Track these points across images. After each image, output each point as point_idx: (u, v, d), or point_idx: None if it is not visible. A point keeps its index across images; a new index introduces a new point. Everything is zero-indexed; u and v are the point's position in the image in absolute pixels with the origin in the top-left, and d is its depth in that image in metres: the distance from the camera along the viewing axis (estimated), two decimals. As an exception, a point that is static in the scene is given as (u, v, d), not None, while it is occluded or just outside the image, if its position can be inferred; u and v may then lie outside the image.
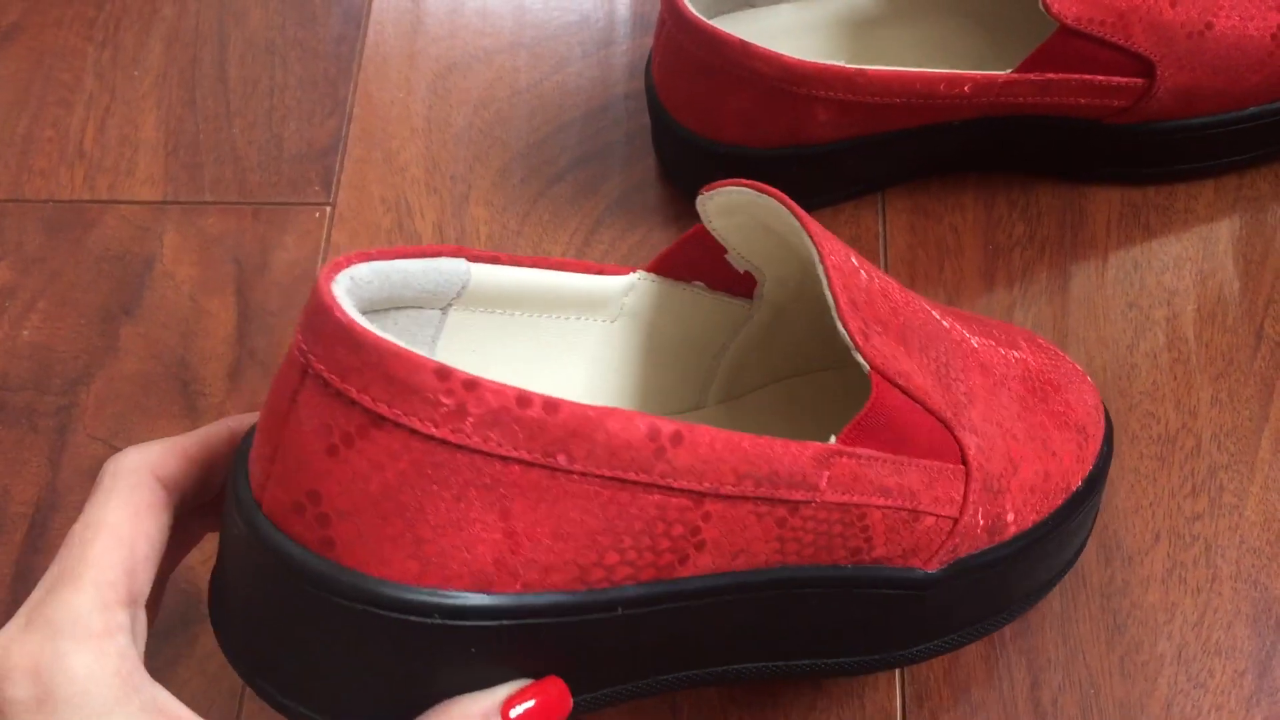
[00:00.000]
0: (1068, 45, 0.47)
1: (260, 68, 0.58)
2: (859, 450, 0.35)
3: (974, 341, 0.41)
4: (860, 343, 0.35)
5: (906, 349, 0.37)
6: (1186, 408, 0.48)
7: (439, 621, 0.31)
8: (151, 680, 0.32)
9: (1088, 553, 0.45)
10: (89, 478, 0.48)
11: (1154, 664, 0.44)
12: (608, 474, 0.31)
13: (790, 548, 0.35)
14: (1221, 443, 0.48)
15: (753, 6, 0.53)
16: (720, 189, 0.38)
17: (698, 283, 0.41)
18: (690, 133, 0.50)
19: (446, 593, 0.31)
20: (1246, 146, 0.52)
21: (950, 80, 0.48)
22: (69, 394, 0.50)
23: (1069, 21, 0.47)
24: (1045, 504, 0.40)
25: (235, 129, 0.56)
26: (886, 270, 0.52)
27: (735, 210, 0.39)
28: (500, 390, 0.30)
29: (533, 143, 0.56)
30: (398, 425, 0.30)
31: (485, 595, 0.31)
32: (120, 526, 0.33)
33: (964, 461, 0.37)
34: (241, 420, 0.37)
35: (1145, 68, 0.48)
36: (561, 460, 0.31)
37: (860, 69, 0.47)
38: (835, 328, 0.37)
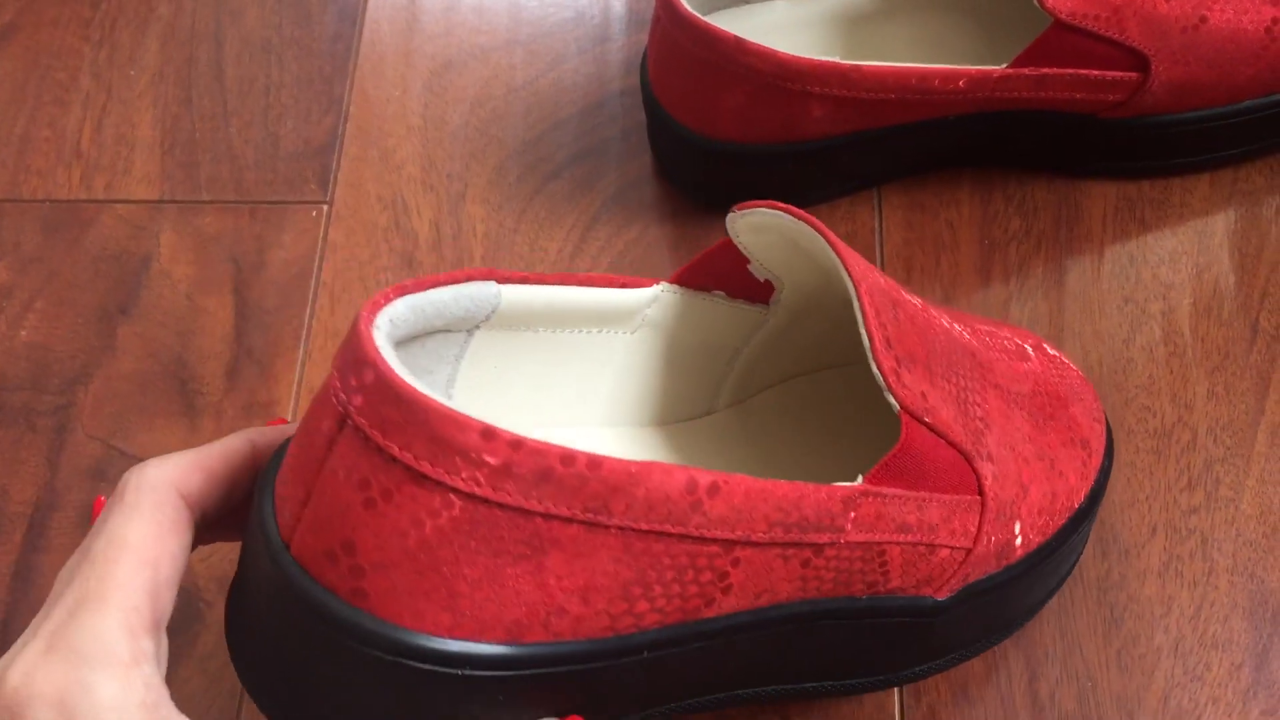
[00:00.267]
0: (1062, 40, 0.47)
1: (256, 66, 0.58)
2: (885, 490, 0.35)
3: (988, 356, 0.41)
4: (893, 383, 0.36)
5: (931, 378, 0.37)
6: (1182, 401, 0.48)
7: (469, 673, 0.31)
8: (177, 710, 0.31)
9: (1084, 546, 0.45)
10: (88, 477, 0.49)
11: (1151, 657, 0.44)
12: (644, 527, 0.31)
13: (811, 585, 0.35)
14: (1217, 436, 0.48)
15: (747, 2, 0.53)
16: (753, 209, 0.38)
17: (718, 292, 0.41)
18: (686, 129, 0.50)
19: (479, 644, 0.31)
20: (1241, 140, 0.52)
21: (945, 76, 0.48)
22: (67, 393, 0.50)
23: (1063, 16, 0.47)
24: (1051, 524, 0.41)
25: (232, 128, 0.56)
26: (883, 267, 0.52)
27: (766, 229, 0.39)
28: (544, 450, 0.30)
29: (529, 140, 0.56)
30: (439, 483, 0.30)
31: (516, 646, 0.31)
32: (144, 546, 0.32)
33: (980, 492, 0.38)
34: (264, 434, 0.36)
35: (1140, 62, 0.48)
36: (601, 516, 0.31)
37: (855, 65, 0.47)
38: (849, 330, 0.37)
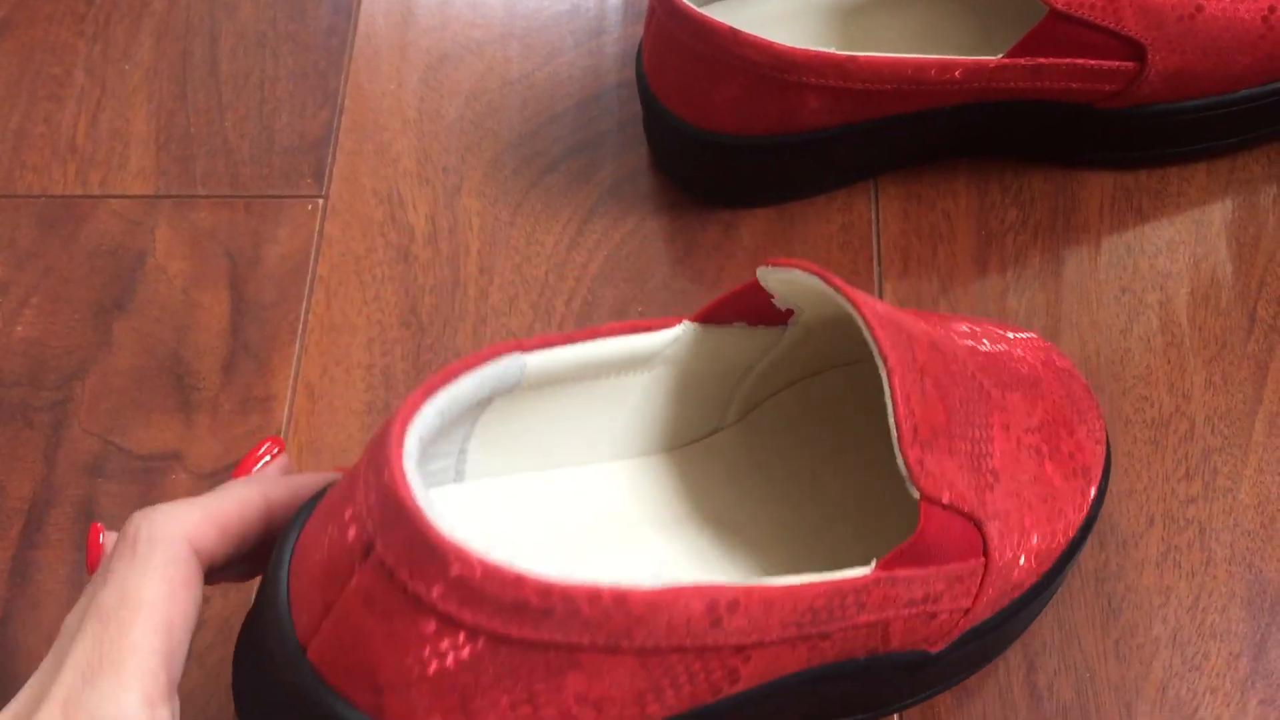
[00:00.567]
0: (1058, 29, 0.47)
1: (251, 60, 0.58)
2: (895, 574, 0.36)
3: (1002, 393, 0.41)
4: (917, 474, 0.36)
5: (951, 446, 0.37)
6: (1180, 391, 0.48)
7: None
8: None
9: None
10: (84, 473, 0.49)
11: (1149, 647, 0.44)
12: (664, 646, 0.32)
13: (815, 658, 0.36)
14: (1215, 426, 0.48)
15: (743, -6, 0.53)
16: (786, 269, 0.38)
17: (739, 323, 0.41)
18: (682, 121, 0.50)
19: None
20: (1239, 129, 0.52)
21: (941, 66, 0.48)
22: (63, 389, 0.50)
23: (1059, 6, 0.47)
24: (1047, 561, 0.41)
25: (226, 122, 0.56)
26: (880, 259, 0.52)
27: (796, 283, 0.39)
28: (570, 593, 0.30)
29: (525, 133, 0.55)
30: (465, 625, 0.30)
31: None
32: (158, 606, 0.31)
33: (985, 553, 0.38)
34: (277, 488, 0.35)
35: (1136, 51, 0.48)
36: (623, 642, 0.31)
37: (851, 55, 0.47)
38: (859, 335, 0.37)
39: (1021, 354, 0.44)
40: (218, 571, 0.35)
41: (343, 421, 0.49)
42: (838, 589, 0.35)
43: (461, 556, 0.29)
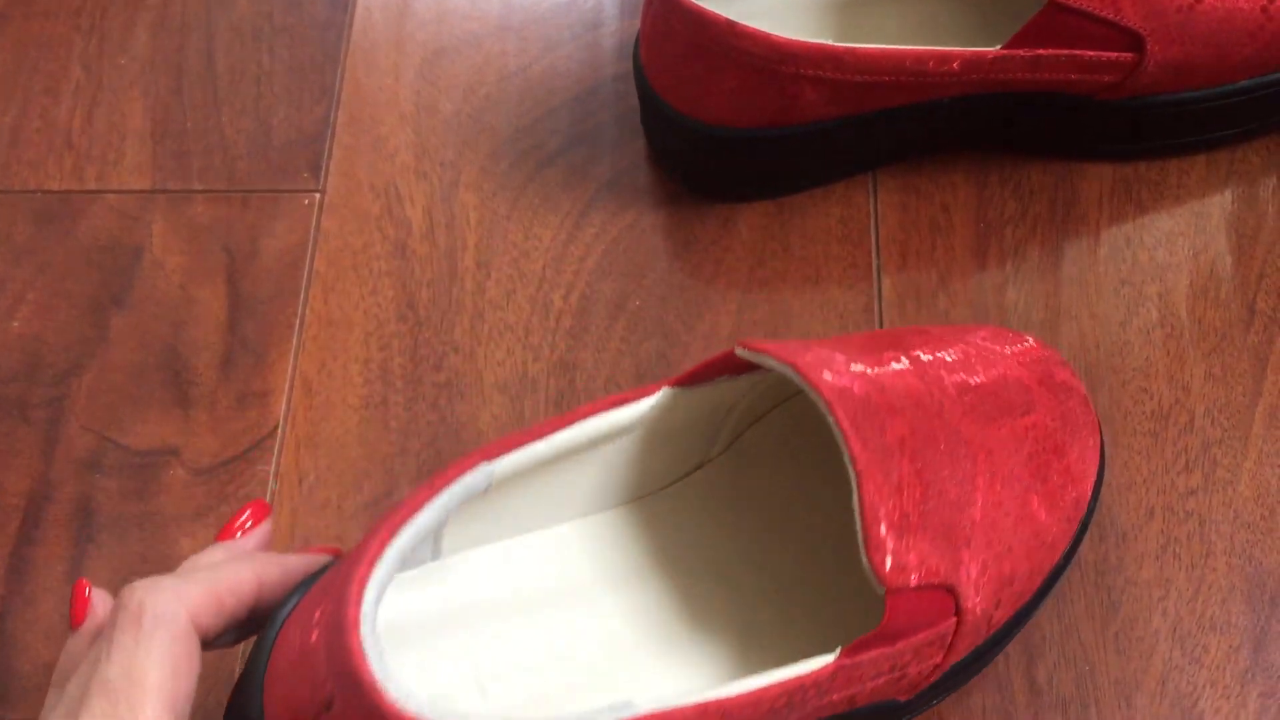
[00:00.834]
0: (1057, 20, 0.47)
1: (247, 55, 0.58)
2: (860, 657, 0.36)
3: (987, 431, 0.41)
4: (881, 572, 0.36)
5: (925, 518, 0.37)
6: (1179, 383, 0.48)
7: None
8: None
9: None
10: (81, 468, 0.48)
11: (1149, 640, 0.44)
12: None
13: None
14: (1215, 418, 0.47)
15: (740, -14, 0.53)
16: (761, 355, 0.38)
17: (724, 376, 0.41)
18: (679, 114, 0.50)
19: None
20: (1238, 120, 0.52)
21: (939, 57, 0.48)
22: (60, 385, 0.50)
23: (1058, -3, 0.46)
24: (1028, 593, 0.41)
25: (223, 117, 0.56)
26: (879, 251, 0.52)
27: (771, 363, 0.39)
28: None
29: (522, 127, 0.55)
30: None
31: None
32: (164, 687, 0.32)
33: (958, 612, 0.38)
34: (268, 570, 0.36)
35: (1135, 42, 0.48)
36: None
37: (849, 47, 0.47)
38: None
39: (1017, 375, 0.43)
40: (207, 643, 0.36)
41: (341, 416, 0.49)
42: (799, 684, 0.35)
43: None
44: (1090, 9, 0.47)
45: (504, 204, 0.53)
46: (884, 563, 0.36)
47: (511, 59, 0.57)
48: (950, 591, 0.37)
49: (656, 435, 0.41)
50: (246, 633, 0.36)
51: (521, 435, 0.37)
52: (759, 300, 0.51)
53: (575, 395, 0.49)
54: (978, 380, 0.42)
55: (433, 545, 0.39)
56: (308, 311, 0.51)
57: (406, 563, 0.38)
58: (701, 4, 0.47)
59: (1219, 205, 0.52)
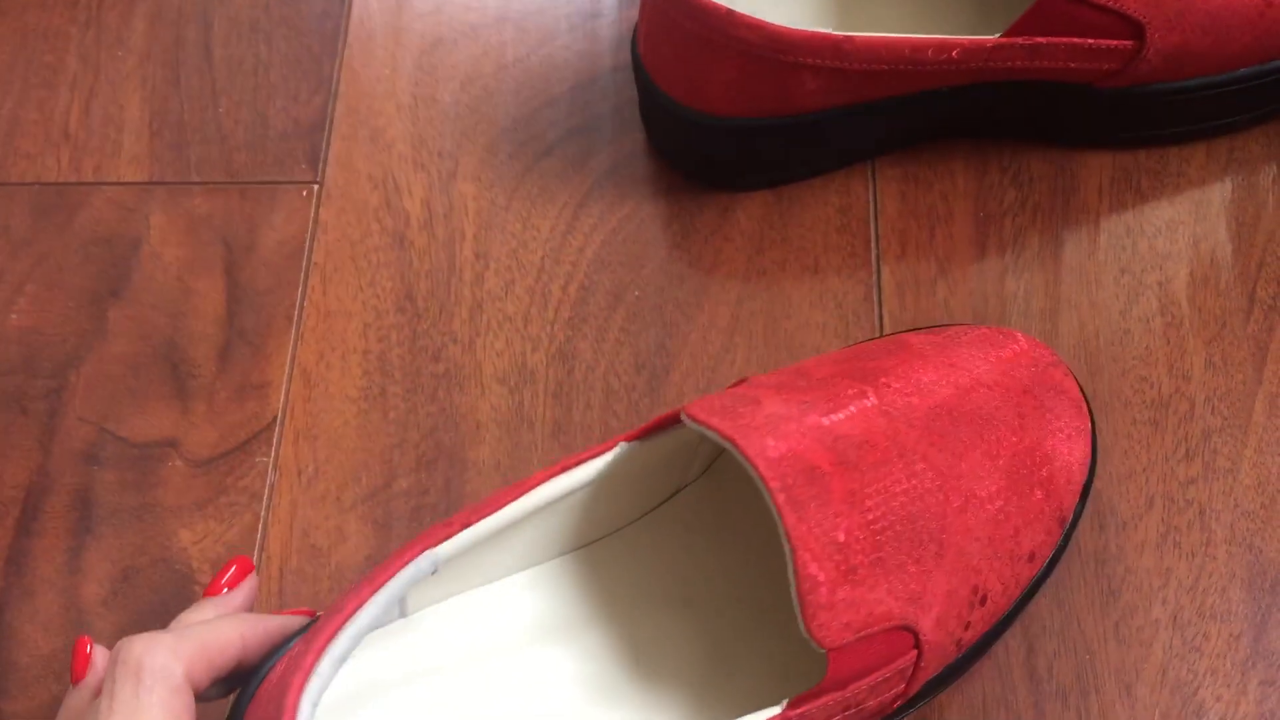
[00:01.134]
0: (1056, 8, 0.47)
1: (245, 46, 0.57)
2: (808, 707, 0.36)
3: (968, 445, 0.40)
4: (819, 639, 0.36)
5: (876, 567, 0.37)
6: (1180, 372, 0.48)
7: None
8: None
9: (1081, 520, 0.45)
10: (80, 460, 0.48)
11: (1149, 629, 0.44)
12: None
13: None
14: (1215, 406, 0.47)
15: (739, -25, 0.53)
16: (705, 428, 0.38)
17: (685, 417, 0.40)
18: (678, 104, 0.50)
19: None
20: (1238, 108, 0.52)
21: (938, 46, 0.47)
22: (58, 377, 0.50)
23: (1057, -16, 0.46)
24: (1004, 608, 0.40)
25: (221, 108, 0.56)
26: (878, 241, 0.52)
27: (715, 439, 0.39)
28: None
29: (520, 117, 0.55)
30: None
31: None
32: None
33: (918, 645, 0.37)
34: (254, 630, 0.37)
35: (1135, 30, 0.48)
36: None
37: (848, 35, 0.47)
38: None
39: (1001, 386, 0.42)
40: (196, 696, 0.37)
41: (339, 407, 0.49)
42: None
43: None
44: (1090, -4, 0.47)
45: (502, 195, 0.53)
46: (820, 628, 0.36)
47: (509, 50, 0.57)
48: (907, 629, 0.37)
49: (621, 481, 0.41)
50: (229, 688, 0.38)
51: (469, 513, 0.38)
52: (758, 290, 0.51)
53: (574, 385, 0.49)
54: (953, 402, 0.41)
55: (400, 606, 0.40)
56: (306, 303, 0.51)
57: (377, 622, 0.38)
58: (700, -7, 0.47)
59: (1219, 193, 0.52)
